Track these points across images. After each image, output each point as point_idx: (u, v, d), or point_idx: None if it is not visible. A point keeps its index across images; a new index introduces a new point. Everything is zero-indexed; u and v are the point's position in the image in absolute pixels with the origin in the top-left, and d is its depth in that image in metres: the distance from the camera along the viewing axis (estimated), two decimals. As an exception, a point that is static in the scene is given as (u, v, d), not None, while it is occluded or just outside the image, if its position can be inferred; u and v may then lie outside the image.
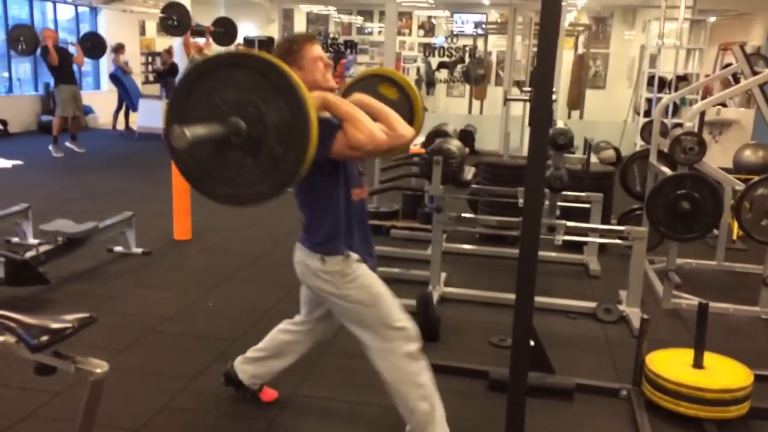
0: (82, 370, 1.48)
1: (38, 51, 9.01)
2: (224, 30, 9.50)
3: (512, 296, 3.56)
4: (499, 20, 14.88)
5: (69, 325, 1.50)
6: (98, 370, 1.48)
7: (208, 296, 4.15)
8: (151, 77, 13.53)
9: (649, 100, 9.54)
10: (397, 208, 5.90)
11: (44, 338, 1.44)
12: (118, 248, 4.88)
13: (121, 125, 12.03)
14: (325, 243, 2.32)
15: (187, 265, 4.80)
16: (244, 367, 2.83)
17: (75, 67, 9.47)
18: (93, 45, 10.01)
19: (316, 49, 2.28)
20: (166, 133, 1.87)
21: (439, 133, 4.98)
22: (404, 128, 2.22)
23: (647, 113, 9.42)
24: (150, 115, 11.60)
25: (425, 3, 13.74)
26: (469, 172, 4.23)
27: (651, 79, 9.55)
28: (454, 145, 4.06)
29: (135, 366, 3.18)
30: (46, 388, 2.89)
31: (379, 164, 6.10)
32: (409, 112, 2.65)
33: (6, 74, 11.67)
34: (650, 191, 4.07)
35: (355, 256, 2.34)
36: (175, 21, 8.46)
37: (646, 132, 5.10)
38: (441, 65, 14.12)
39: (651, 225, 4.02)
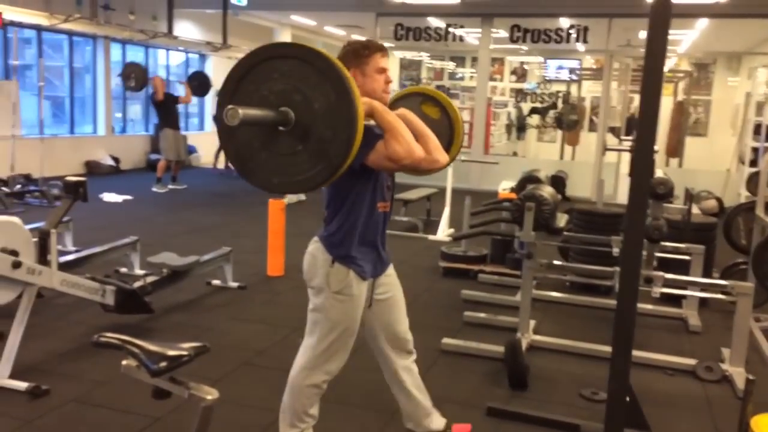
0: (195, 396, 1.57)
1: (149, 92, 9.77)
2: None
3: (605, 348, 3.47)
4: (594, 66, 14.72)
5: (185, 353, 1.60)
6: (209, 397, 1.57)
7: (298, 332, 4.22)
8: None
9: (755, 149, 9.10)
10: (486, 252, 5.87)
11: (163, 364, 1.54)
12: (216, 282, 5.11)
13: (221, 164, 12.67)
14: (340, 246, 2.39)
15: (279, 301, 4.95)
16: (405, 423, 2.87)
17: (181, 109, 10.16)
18: (199, 84, 10.76)
19: (384, 61, 2.36)
20: (218, 122, 1.99)
21: (531, 178, 4.96)
22: (441, 154, 2.30)
23: (753, 163, 8.97)
24: (248, 155, 12.15)
25: (518, 49, 13.79)
26: (561, 219, 4.17)
27: (757, 127, 9.12)
28: (547, 191, 4.03)
29: (229, 397, 3.29)
30: (147, 413, 3.05)
31: (469, 208, 6.12)
32: (449, 133, 2.68)
33: (119, 114, 12.60)
34: (757, 245, 3.87)
35: (355, 277, 2.39)
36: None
37: (752, 182, 4.87)
38: (533, 110, 14.06)
39: (757, 280, 3.80)
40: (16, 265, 3.25)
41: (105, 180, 10.26)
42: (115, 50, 12.00)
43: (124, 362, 1.68)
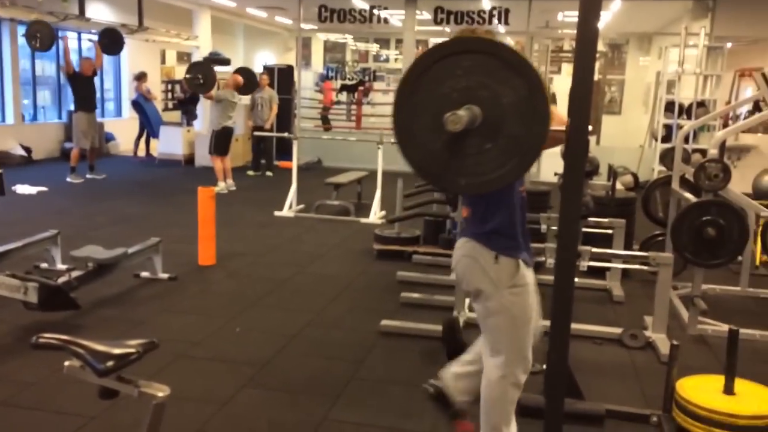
0: (145, 394, 1.52)
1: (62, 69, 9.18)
2: (246, 78, 9.79)
3: (543, 322, 3.58)
4: (515, 47, 15.03)
5: (133, 350, 1.55)
6: (160, 394, 1.52)
7: (234, 321, 4.20)
8: (171, 105, 13.76)
9: (667, 126, 9.57)
10: (419, 233, 5.94)
11: (110, 363, 1.49)
12: (145, 274, 4.95)
13: (142, 152, 12.23)
14: (499, 238, 2.30)
15: (213, 291, 4.85)
16: (456, 384, 2.64)
17: (96, 83, 9.59)
18: (110, 41, 9.92)
19: None
20: (395, 130, 1.92)
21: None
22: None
23: (665, 139, 9.43)
24: (171, 141, 11.80)
25: (442, 31, 13.90)
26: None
27: (669, 104, 9.59)
28: (479, 171, 4.10)
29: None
30: (81, 412, 2.94)
31: (401, 190, 6.16)
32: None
33: (26, 101, 11.91)
34: (675, 218, 4.08)
35: (523, 265, 2.33)
36: (200, 79, 8.82)
37: (667, 158, 5.13)
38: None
39: (676, 251, 4.03)
40: (-72, 265, 3.05)
41: (16, 171, 9.71)
42: (22, 33, 11.29)
43: (66, 363, 1.61)
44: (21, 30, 11.08)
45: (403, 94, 1.96)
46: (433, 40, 17.31)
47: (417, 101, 1.93)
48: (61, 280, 3.99)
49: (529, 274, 2.38)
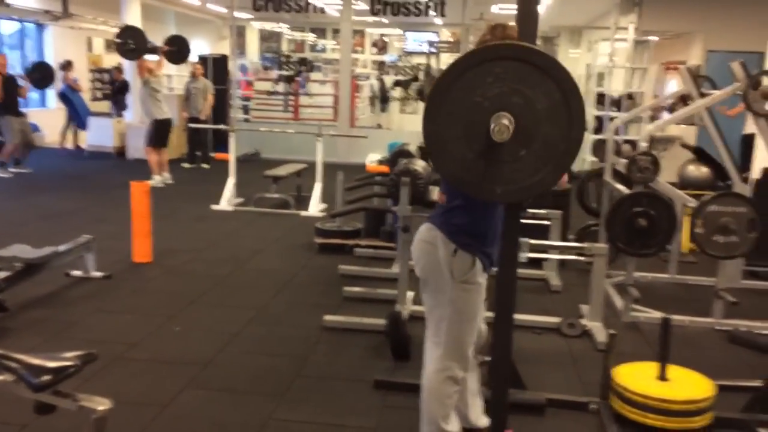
0: (85, 408, 1.46)
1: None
2: (177, 49, 9.42)
3: (486, 314, 3.65)
4: (451, 39, 15.19)
5: (71, 363, 1.48)
6: (101, 407, 1.46)
7: (173, 320, 4.10)
8: (99, 94, 13.25)
9: (598, 118, 9.87)
10: (360, 226, 5.94)
11: (46, 378, 1.41)
12: (77, 272, 4.76)
13: (69, 143, 11.72)
14: (464, 235, 2.34)
15: (150, 289, 4.71)
16: (472, 413, 2.75)
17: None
18: (42, 76, 9.69)
19: None
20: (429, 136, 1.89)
21: (402, 153, 5.05)
22: None
23: (596, 130, 9.74)
24: (100, 133, 11.36)
25: (379, 21, 13.91)
26: (434, 192, 4.30)
27: (600, 97, 9.89)
28: (420, 165, 4.13)
29: (103, 395, 3.11)
30: (10, 421, 2.81)
31: (342, 183, 6.14)
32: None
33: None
34: (609, 209, 4.22)
35: (479, 265, 2.36)
36: (131, 44, 8.38)
37: (597, 149, 5.31)
38: (397, 83, 14.29)
39: (610, 241, 4.17)
40: None
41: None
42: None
43: (0, 377, 1.52)
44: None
45: (434, 104, 1.93)
46: (370, 31, 17.30)
47: (448, 111, 1.91)
48: (-14, 282, 3.79)
49: (483, 277, 2.42)
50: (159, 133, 8.77)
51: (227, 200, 7.50)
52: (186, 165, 10.45)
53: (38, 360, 1.45)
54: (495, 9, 12.89)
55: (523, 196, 2.03)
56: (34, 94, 13.15)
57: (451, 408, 2.52)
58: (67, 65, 11.49)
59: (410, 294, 4.30)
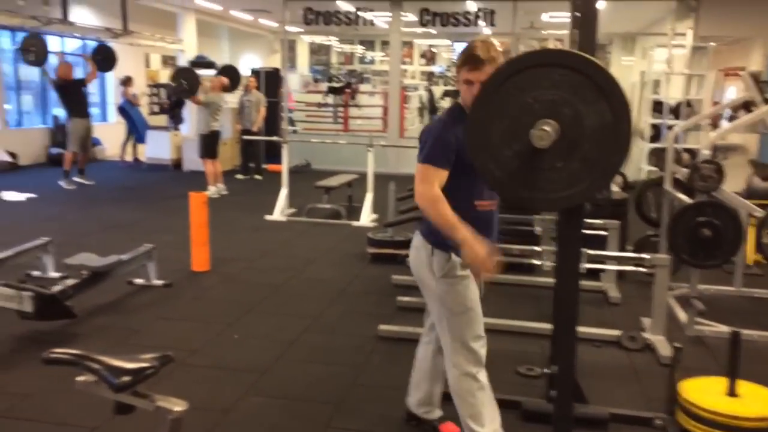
0: (162, 409, 1.51)
1: (50, 76, 9.16)
2: (231, 77, 9.80)
3: (536, 325, 3.64)
4: (499, 48, 15.08)
5: (150, 365, 1.53)
6: (177, 408, 1.51)
7: (232, 328, 4.17)
8: (156, 109, 13.66)
9: (654, 126, 9.65)
10: (412, 236, 5.92)
11: (126, 379, 1.46)
12: (139, 280, 4.91)
13: (129, 156, 12.11)
14: (435, 235, 2.47)
15: (208, 297, 4.82)
16: (409, 398, 2.95)
17: (85, 93, 9.56)
18: (104, 58, 9.96)
19: (472, 75, 2.35)
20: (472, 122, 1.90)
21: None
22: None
23: (652, 138, 9.52)
24: (158, 146, 11.72)
25: (427, 32, 13.94)
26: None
27: (656, 104, 9.67)
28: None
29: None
30: (82, 423, 2.91)
31: (394, 193, 6.16)
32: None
33: (10, 106, 11.76)
34: (671, 219, 4.12)
35: (457, 260, 2.45)
36: (185, 84, 8.86)
37: (654, 157, 5.19)
38: (446, 93, 14.28)
39: (672, 252, 4.06)
40: (-77, 277, 3.00)
41: (2, 177, 9.59)
42: (5, 38, 11.17)
43: (80, 378, 1.58)
44: (3, 35, 10.96)
45: (487, 93, 1.92)
46: (418, 42, 17.37)
47: (500, 102, 1.90)
48: (56, 288, 3.93)
49: (462, 272, 2.49)
50: (208, 144, 9.00)
51: (280, 210, 7.62)
52: (239, 176, 10.67)
53: (119, 361, 1.50)
54: (545, 17, 12.79)
55: (547, 208, 2.05)
56: (96, 109, 13.68)
57: (480, 407, 2.55)
58: (127, 81, 11.89)
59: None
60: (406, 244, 5.80)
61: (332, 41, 17.99)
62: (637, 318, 4.20)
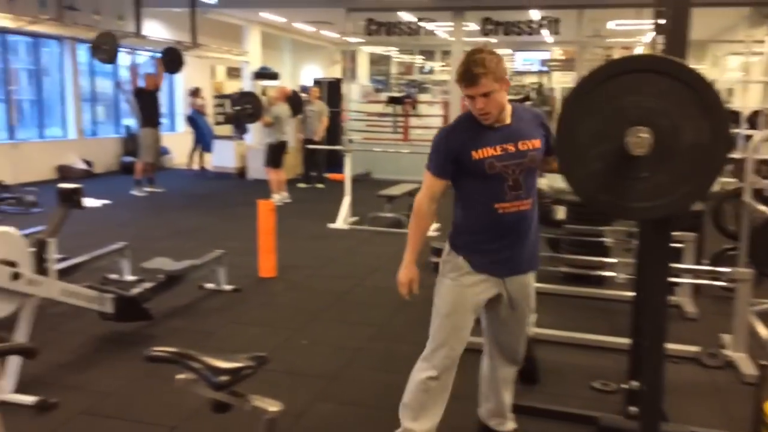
0: (258, 409, 1.54)
1: (125, 87, 9.51)
2: (292, 103, 10.05)
3: (609, 339, 3.55)
4: (562, 57, 14.90)
5: (248, 364, 1.57)
6: (272, 409, 1.54)
7: (300, 333, 4.23)
8: (221, 119, 14.02)
9: (727, 136, 9.31)
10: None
11: (225, 378, 1.50)
12: (209, 285, 5.03)
13: (195, 165, 12.48)
14: (451, 236, 2.59)
15: (276, 303, 4.90)
16: (480, 409, 2.96)
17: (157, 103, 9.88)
18: (171, 59, 10.27)
19: (470, 90, 2.35)
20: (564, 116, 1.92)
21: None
22: None
23: (726, 149, 9.17)
24: (224, 155, 12.03)
25: (488, 41, 13.87)
26: (560, 212, 4.21)
27: (732, 114, 9.33)
28: (544, 183, 4.06)
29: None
30: (161, 422, 2.99)
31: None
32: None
33: (85, 117, 12.28)
34: (752, 232, 3.95)
35: (462, 263, 2.51)
36: (249, 109, 9.19)
37: (736, 169, 5.00)
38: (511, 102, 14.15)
39: (754, 266, 3.89)
40: (16, 276, 3.15)
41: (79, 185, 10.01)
42: (81, 51, 11.70)
43: (179, 376, 1.64)
44: (80, 48, 11.49)
45: (582, 90, 1.89)
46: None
47: (592, 102, 1.86)
48: (135, 291, 4.07)
49: (456, 275, 2.54)
50: (274, 154, 9.18)
51: (343, 219, 7.68)
52: (302, 185, 10.83)
53: (218, 361, 1.54)
54: (611, 25, 12.54)
55: (624, 216, 2.03)
56: (164, 120, 14.15)
57: (418, 402, 2.62)
58: (195, 92, 12.27)
59: (533, 316, 4.21)
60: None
61: (392, 51, 18.11)
62: (715, 334, 4.04)
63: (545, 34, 11.25)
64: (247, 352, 1.72)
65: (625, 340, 3.65)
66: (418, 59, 18.38)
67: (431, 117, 13.99)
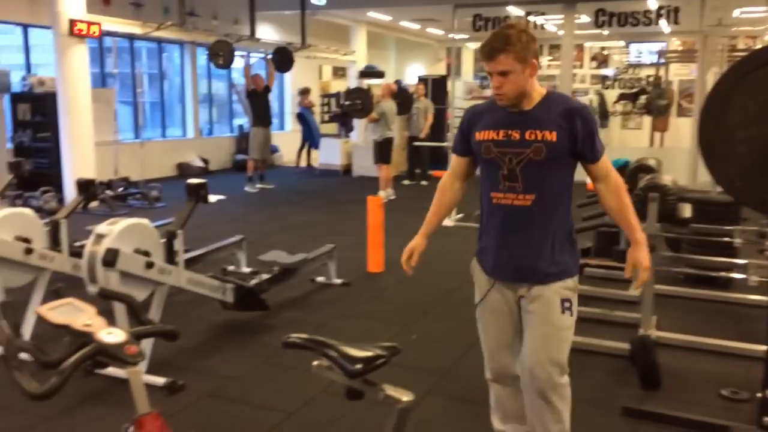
0: (391, 398, 1.56)
1: (238, 88, 9.94)
2: (401, 101, 10.15)
3: (740, 345, 3.32)
4: (680, 48, 14.10)
5: (381, 353, 1.59)
6: (405, 399, 1.56)
7: (409, 328, 4.25)
8: (327, 117, 14.37)
9: None
10: (589, 245, 5.69)
11: (359, 366, 1.54)
12: (320, 278, 5.17)
13: (303, 162, 12.86)
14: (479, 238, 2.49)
15: (385, 297, 4.95)
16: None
17: (268, 103, 10.25)
18: (282, 58, 10.73)
19: (490, 65, 2.20)
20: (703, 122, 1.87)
21: (642, 167, 4.76)
22: None
23: None
24: (330, 152, 12.32)
25: (599, 34, 13.36)
26: (686, 209, 3.99)
27: None
28: (670, 180, 3.85)
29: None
30: (280, 408, 3.10)
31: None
32: None
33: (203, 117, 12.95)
34: None
35: (477, 267, 2.48)
36: (359, 104, 9.37)
37: None
38: (621, 97, 13.59)
39: None
40: (150, 265, 3.37)
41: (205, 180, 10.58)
42: (200, 55, 12.35)
43: (315, 362, 1.70)
44: (200, 52, 12.13)
45: (742, 68, 1.80)
46: (588, 45, 16.68)
47: (752, 81, 1.76)
48: (253, 282, 4.25)
49: (480, 279, 2.45)
50: (382, 150, 9.28)
51: (448, 216, 7.64)
52: (406, 182, 10.89)
53: (353, 350, 1.58)
54: (736, 13, 11.72)
55: (752, 205, 1.91)
56: (274, 119, 14.70)
57: (494, 403, 2.56)
58: (305, 91, 12.64)
59: (653, 318, 4.02)
60: (582, 253, 5.60)
61: (497, 47, 17.85)
62: None
63: (663, 25, 10.68)
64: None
65: (757, 347, 3.43)
66: (524, 54, 17.98)
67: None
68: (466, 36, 13.49)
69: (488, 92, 15.19)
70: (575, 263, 2.35)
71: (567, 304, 2.31)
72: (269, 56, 10.63)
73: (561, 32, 11.71)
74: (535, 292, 2.30)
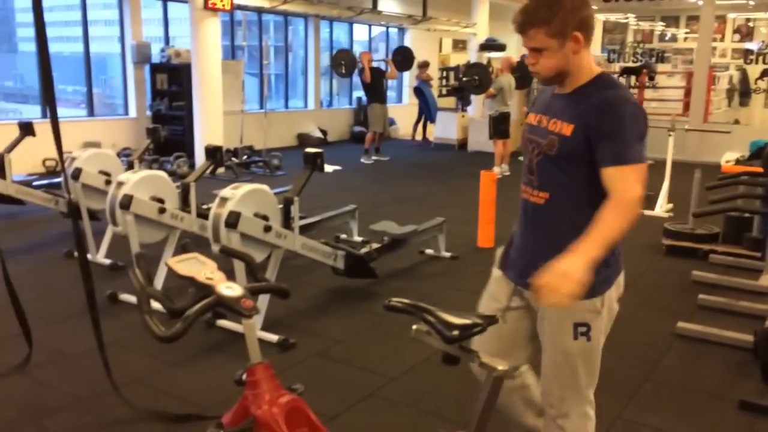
0: (486, 365, 1.59)
1: (356, 71, 10.19)
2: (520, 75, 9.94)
3: None
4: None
5: (478, 321, 1.62)
6: (500, 367, 1.57)
7: (516, 305, 4.20)
8: (444, 91, 14.29)
9: None
10: (717, 231, 5.35)
11: (456, 333, 1.57)
12: (429, 251, 5.21)
13: (419, 136, 12.90)
14: None
15: (493, 273, 4.91)
16: None
17: (384, 82, 10.46)
18: (403, 58, 11.10)
19: (524, 40, 1.84)
20: None
21: (781, 149, 4.39)
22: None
23: None
24: (446, 126, 12.28)
25: (746, 4, 12.30)
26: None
27: None
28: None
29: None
30: (383, 372, 3.20)
31: (699, 182, 5.60)
32: None
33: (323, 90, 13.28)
34: None
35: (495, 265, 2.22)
36: (476, 80, 9.43)
37: None
38: (766, 73, 12.49)
39: None
40: (267, 229, 3.56)
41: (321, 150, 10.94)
42: (323, 28, 12.65)
43: (414, 326, 1.75)
44: (323, 25, 12.42)
45: None
46: (732, 16, 15.41)
47: None
48: (364, 250, 4.36)
49: (495, 273, 2.22)
50: (498, 125, 9.13)
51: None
52: (522, 158, 10.63)
53: (452, 317, 1.61)
54: None
55: None
56: (392, 92, 14.83)
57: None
58: (424, 64, 12.64)
59: (786, 312, 3.73)
60: (708, 238, 5.29)
61: (629, 18, 16.89)
62: None
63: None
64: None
65: None
66: (659, 26, 16.91)
67: (670, 89, 12.89)
68: (595, 7, 12.90)
69: (617, 66, 14.56)
70: (604, 282, 1.91)
71: (582, 329, 1.91)
72: (391, 57, 11.15)
73: (701, 2, 10.91)
74: (544, 308, 1.92)
